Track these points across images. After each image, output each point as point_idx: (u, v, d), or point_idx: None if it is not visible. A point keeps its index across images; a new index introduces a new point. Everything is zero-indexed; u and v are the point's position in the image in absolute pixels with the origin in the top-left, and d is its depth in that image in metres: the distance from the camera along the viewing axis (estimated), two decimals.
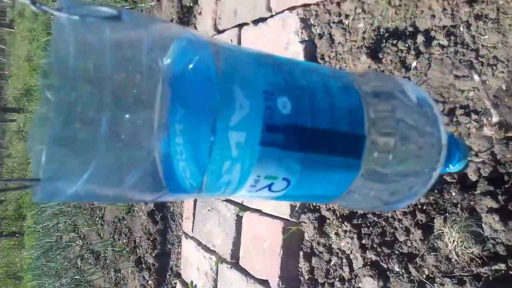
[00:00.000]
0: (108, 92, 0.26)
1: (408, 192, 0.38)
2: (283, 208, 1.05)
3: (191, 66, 0.28)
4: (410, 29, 0.79)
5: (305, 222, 1.00)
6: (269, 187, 0.31)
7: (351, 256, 0.88)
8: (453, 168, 0.43)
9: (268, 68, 0.31)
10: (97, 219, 2.70)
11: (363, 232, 0.85)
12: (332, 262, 0.93)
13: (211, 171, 0.28)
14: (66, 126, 0.25)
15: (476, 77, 0.50)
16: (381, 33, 0.84)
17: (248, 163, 0.29)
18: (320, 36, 0.98)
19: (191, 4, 1.69)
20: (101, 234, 2.63)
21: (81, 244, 2.92)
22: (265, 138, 0.28)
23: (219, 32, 1.37)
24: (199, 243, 1.43)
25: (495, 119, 0.52)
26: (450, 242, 0.70)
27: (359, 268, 0.85)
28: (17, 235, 5.17)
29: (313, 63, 0.37)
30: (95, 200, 0.29)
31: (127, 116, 0.26)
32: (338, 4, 0.94)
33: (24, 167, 5.63)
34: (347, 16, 0.92)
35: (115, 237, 2.44)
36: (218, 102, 0.27)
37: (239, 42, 1.26)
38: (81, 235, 2.96)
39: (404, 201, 0.39)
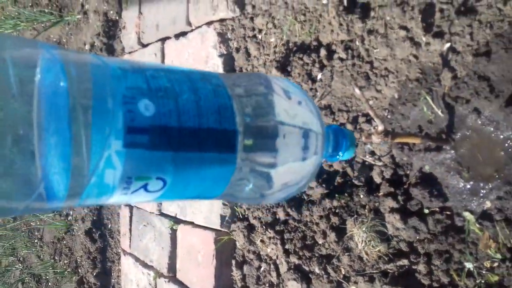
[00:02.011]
0: None
1: (288, 182, 0.41)
2: (213, 219, 1.07)
3: (50, 82, 0.29)
4: (315, 43, 0.83)
5: (235, 231, 1.02)
6: (145, 187, 0.32)
7: (277, 262, 0.92)
8: (343, 155, 0.47)
9: (128, 73, 0.32)
10: (35, 241, 2.59)
11: (285, 237, 0.89)
12: (262, 269, 0.96)
13: (78, 178, 0.29)
14: None
15: (356, 90, 0.55)
16: (290, 47, 0.88)
17: (115, 166, 0.30)
18: (237, 50, 1.01)
19: (117, 18, 1.67)
20: (41, 256, 2.53)
21: (21, 267, 2.79)
22: (128, 140, 0.30)
23: (144, 46, 1.37)
24: (137, 259, 1.41)
25: (380, 127, 0.57)
26: (360, 242, 0.75)
27: (285, 272, 0.89)
28: None
29: (183, 67, 0.39)
30: None
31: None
32: (252, 19, 0.97)
33: None
34: (260, 31, 0.96)
35: (56, 258, 2.36)
36: (78, 112, 0.29)
37: (163, 55, 1.26)
38: (20, 259, 2.82)
39: (285, 192, 0.42)
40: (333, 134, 0.47)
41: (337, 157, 0.48)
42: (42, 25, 2.40)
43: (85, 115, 0.29)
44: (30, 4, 2.58)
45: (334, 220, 0.80)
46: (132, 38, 1.41)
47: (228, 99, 0.36)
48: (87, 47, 2.02)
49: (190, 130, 0.33)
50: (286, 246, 0.88)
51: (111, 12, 1.71)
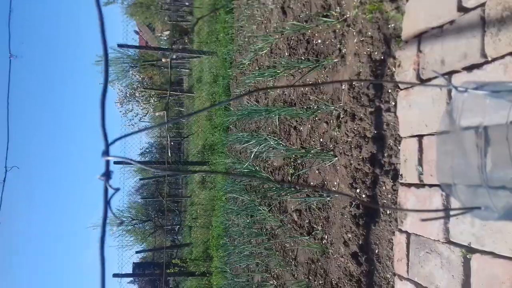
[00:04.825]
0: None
1: None
2: None
3: None
4: None
5: None
6: None
7: None
8: None
9: None
10: (290, 260, 2.90)
11: None
12: None
13: None
14: None
15: None
16: None
17: None
18: None
19: (382, 58, 1.82)
20: (295, 275, 2.81)
21: (275, 284, 3.15)
22: None
23: (423, 81, 1.46)
24: (417, 285, 1.46)
25: None
26: None
27: None
28: (207, 275, 5.77)
29: None
30: None
31: None
32: None
33: (209, 213, 6.33)
34: None
35: (310, 278, 2.59)
36: None
37: (449, 90, 1.32)
38: (274, 275, 3.19)
39: None
40: None
41: None
42: (299, 71, 2.76)
43: None
44: (287, 54, 3.02)
45: None
46: (410, 74, 1.52)
47: None
48: (344, 86, 2.24)
49: None
50: None
51: (376, 53, 1.87)
